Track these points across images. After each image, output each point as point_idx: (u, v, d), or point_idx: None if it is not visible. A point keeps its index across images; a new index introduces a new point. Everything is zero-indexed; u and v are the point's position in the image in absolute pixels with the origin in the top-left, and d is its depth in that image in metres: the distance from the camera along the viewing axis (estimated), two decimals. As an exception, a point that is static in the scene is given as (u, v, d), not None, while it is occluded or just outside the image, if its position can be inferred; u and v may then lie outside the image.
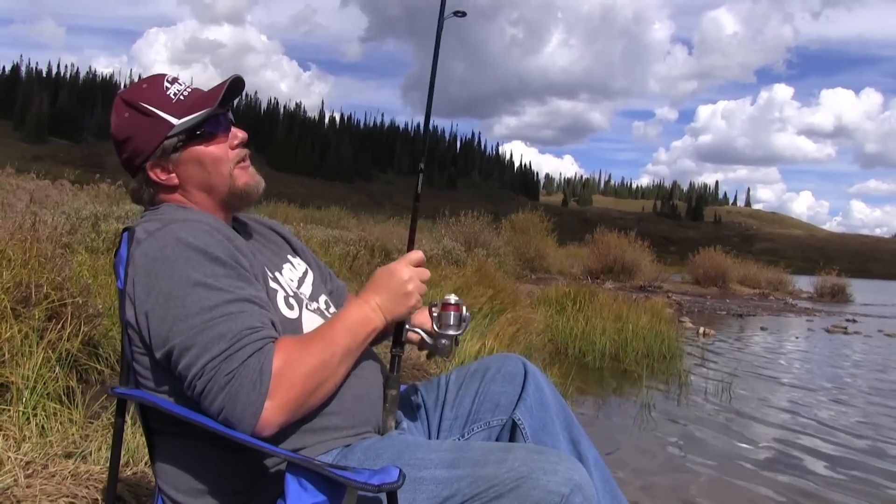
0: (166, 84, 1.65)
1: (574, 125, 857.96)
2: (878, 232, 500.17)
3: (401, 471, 1.29)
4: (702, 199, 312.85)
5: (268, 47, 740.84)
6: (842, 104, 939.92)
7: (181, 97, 1.64)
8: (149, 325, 1.44)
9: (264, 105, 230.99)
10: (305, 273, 1.86)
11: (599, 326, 8.88)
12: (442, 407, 1.88)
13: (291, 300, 1.66)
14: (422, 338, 1.80)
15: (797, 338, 13.41)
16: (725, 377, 7.62)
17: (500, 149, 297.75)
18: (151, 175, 1.65)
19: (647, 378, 7.54)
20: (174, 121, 1.61)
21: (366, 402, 1.63)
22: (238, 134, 1.70)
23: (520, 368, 1.83)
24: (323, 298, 1.83)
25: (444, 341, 1.76)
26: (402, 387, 1.84)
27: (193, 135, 1.63)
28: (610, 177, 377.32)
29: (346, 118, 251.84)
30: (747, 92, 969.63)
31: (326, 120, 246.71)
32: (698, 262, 29.93)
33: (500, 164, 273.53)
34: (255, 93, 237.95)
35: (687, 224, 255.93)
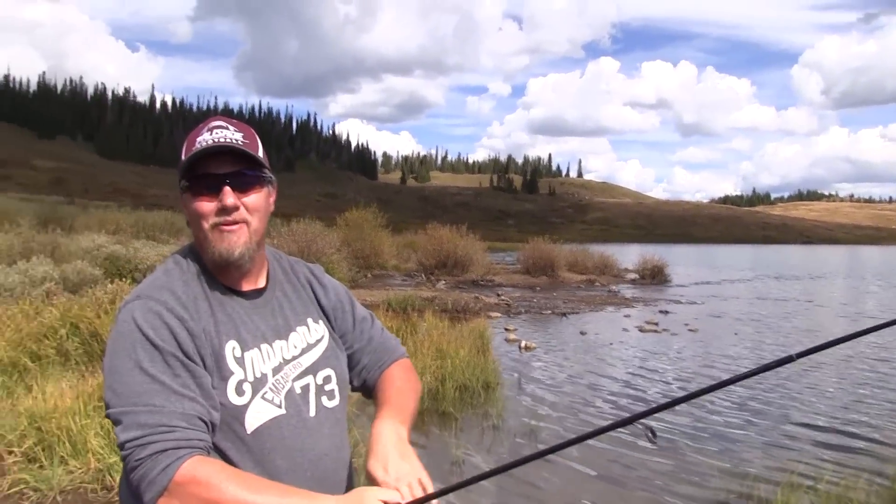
0: (212, 124, 1.64)
1: (410, 101, 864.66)
2: (697, 196, 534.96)
3: None
4: (536, 171, 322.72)
5: (91, 27, 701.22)
6: (661, 76, 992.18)
7: (205, 142, 1.60)
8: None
9: (91, 90, 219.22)
10: (318, 341, 1.79)
11: (420, 365, 9.12)
12: None
13: (245, 385, 1.60)
14: None
15: (611, 344, 14.14)
16: (537, 413, 8.13)
17: (337, 128, 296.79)
18: (182, 197, 1.64)
19: (464, 420, 7.98)
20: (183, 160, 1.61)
21: None
22: (225, 199, 1.60)
23: None
24: (323, 374, 1.75)
25: None
26: None
27: (187, 182, 1.62)
28: (447, 152, 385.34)
29: (178, 102, 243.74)
30: (576, 66, 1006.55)
31: (158, 104, 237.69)
32: (528, 252, 31.15)
33: (336, 144, 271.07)
34: (81, 77, 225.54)
35: (523, 197, 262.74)
